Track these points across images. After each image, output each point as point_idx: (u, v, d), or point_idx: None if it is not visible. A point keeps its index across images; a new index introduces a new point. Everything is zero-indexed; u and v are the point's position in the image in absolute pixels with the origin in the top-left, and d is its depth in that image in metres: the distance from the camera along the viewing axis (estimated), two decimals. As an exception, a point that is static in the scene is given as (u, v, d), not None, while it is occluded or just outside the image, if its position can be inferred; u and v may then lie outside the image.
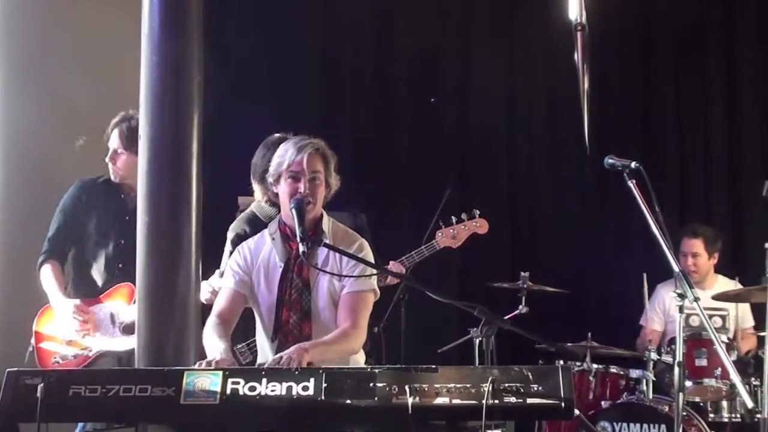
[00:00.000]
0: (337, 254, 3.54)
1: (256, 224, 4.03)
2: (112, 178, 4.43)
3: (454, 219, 4.90)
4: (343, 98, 6.50)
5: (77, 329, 4.27)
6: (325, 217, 3.65)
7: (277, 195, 3.63)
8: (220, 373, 2.82)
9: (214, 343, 3.37)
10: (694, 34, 6.84)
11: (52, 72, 5.48)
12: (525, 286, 5.30)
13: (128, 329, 4.17)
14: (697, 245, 5.73)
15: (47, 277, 4.38)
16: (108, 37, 5.47)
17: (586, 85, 6.48)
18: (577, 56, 6.45)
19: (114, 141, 4.41)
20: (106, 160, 4.43)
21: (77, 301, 4.30)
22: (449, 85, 6.70)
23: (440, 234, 4.90)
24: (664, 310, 5.87)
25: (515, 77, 6.81)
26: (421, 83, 6.62)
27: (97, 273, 4.38)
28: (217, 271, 4.11)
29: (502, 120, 6.75)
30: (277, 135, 4.11)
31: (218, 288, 3.85)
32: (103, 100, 5.09)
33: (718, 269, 5.87)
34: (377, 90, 6.65)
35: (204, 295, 3.96)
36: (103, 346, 4.29)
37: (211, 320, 3.54)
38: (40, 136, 5.41)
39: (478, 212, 4.92)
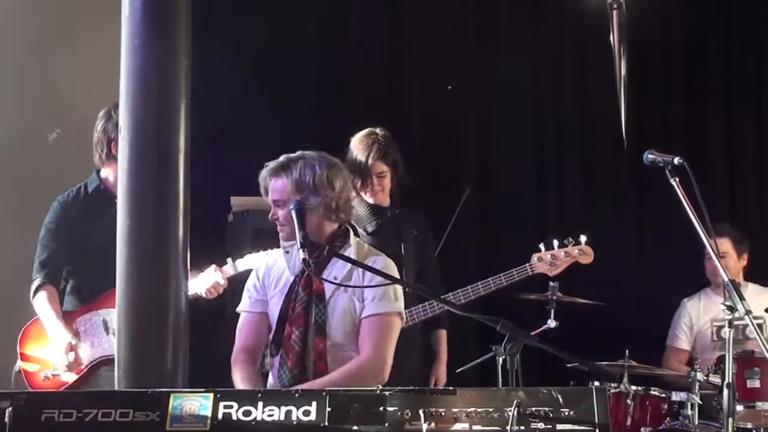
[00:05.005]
0: (360, 270, 3.62)
1: None
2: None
3: (555, 243, 4.97)
4: (348, 85, 6.49)
5: (62, 367, 4.39)
6: (352, 237, 3.78)
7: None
8: (211, 395, 2.83)
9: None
10: (746, 11, 6.82)
11: (22, 57, 5.49)
12: (554, 297, 5.28)
13: None
14: (725, 244, 5.77)
15: (43, 303, 4.48)
16: (84, 17, 5.48)
17: (623, 71, 6.49)
18: (613, 38, 6.47)
19: None
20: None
21: (70, 338, 4.40)
22: (467, 70, 6.68)
23: (536, 258, 4.96)
24: (690, 326, 5.90)
25: (541, 61, 6.79)
26: (436, 69, 6.61)
27: (102, 283, 4.43)
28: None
29: (527, 111, 6.73)
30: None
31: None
32: (78, 88, 5.10)
33: (759, 278, 5.91)
34: (387, 77, 6.62)
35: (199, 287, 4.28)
36: (97, 354, 4.41)
37: (238, 358, 3.73)
38: (7, 129, 5.42)
39: (584, 238, 4.97)
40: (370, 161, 4.92)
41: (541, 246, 4.99)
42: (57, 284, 4.55)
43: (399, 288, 3.71)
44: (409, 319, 4.83)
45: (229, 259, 4.52)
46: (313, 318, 3.63)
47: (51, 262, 4.53)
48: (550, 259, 4.95)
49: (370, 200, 5.00)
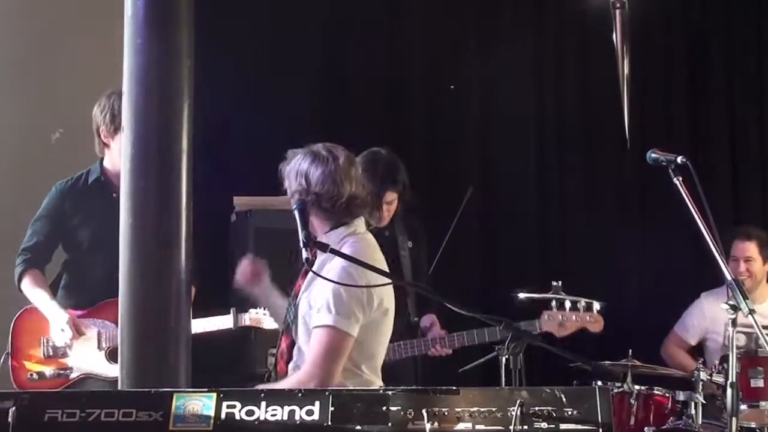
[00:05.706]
0: (329, 266, 3.47)
1: None
2: None
3: (568, 303, 4.88)
4: (349, 84, 6.50)
5: (67, 342, 4.39)
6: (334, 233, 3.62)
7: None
8: (214, 395, 2.83)
9: None
10: (749, 10, 6.82)
11: (23, 56, 5.50)
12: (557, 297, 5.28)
13: (114, 355, 4.16)
14: (751, 248, 5.75)
15: (32, 286, 4.48)
16: (84, 17, 5.49)
17: (626, 70, 6.49)
18: (616, 37, 6.47)
19: None
20: None
21: (68, 315, 4.39)
22: (470, 70, 6.68)
23: (547, 316, 4.87)
24: (702, 320, 5.89)
25: (544, 61, 6.80)
26: (437, 69, 6.61)
27: (95, 283, 4.44)
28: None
29: (530, 110, 6.74)
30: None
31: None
32: (82, 88, 5.10)
33: None
34: (387, 77, 6.63)
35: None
36: (85, 368, 4.41)
37: None
38: (10, 129, 5.42)
39: (598, 307, 4.89)
40: (380, 192, 4.61)
41: (553, 303, 4.88)
42: (41, 269, 4.54)
43: (356, 298, 3.40)
44: (398, 353, 4.75)
45: (232, 310, 4.54)
46: (287, 317, 3.58)
47: (34, 250, 4.53)
48: (560, 320, 4.86)
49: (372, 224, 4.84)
